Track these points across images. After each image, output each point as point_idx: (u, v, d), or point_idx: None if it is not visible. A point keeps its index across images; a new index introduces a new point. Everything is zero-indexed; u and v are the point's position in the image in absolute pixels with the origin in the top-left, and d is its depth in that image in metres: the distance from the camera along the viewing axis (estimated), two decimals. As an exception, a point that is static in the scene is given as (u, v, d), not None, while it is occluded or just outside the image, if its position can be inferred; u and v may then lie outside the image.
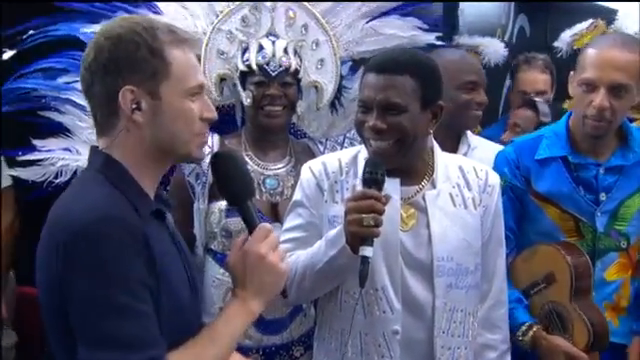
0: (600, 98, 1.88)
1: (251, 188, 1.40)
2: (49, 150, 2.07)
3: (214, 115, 1.31)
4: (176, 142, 1.27)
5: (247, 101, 2.07)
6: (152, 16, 1.97)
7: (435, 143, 1.75)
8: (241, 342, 1.81)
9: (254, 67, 2.06)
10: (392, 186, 1.62)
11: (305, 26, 2.23)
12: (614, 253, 1.99)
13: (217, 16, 2.17)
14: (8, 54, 2.03)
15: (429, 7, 3.93)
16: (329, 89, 2.27)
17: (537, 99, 2.90)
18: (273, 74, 2.05)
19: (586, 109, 1.92)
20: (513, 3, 4.27)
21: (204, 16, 2.18)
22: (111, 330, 1.14)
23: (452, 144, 2.23)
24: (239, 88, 2.12)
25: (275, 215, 2.06)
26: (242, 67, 2.09)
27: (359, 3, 2.30)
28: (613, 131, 1.99)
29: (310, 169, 1.74)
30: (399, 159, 1.63)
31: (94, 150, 1.31)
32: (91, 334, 1.15)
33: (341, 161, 1.73)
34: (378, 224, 1.49)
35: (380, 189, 1.53)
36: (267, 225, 1.33)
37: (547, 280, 1.96)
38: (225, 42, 2.16)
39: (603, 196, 1.97)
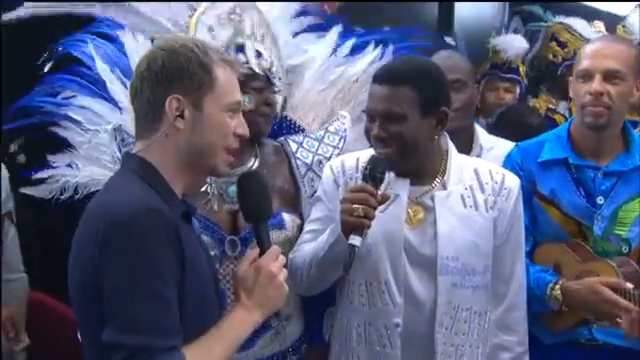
0: (595, 84, 1.95)
1: (270, 211, 1.53)
2: (55, 167, 2.06)
3: (246, 133, 1.44)
4: (208, 151, 1.38)
5: (248, 106, 1.89)
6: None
7: (452, 145, 1.80)
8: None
9: (258, 71, 1.95)
10: (401, 185, 1.71)
11: (263, 35, 2.10)
12: (616, 258, 1.99)
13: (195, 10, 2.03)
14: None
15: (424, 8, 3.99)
16: (279, 99, 2.15)
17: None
18: (274, 80, 2.00)
19: (584, 98, 1.97)
20: (508, 5, 4.30)
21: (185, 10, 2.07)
22: (141, 315, 1.22)
23: (463, 146, 2.23)
24: None
25: (234, 226, 1.90)
26: (243, 70, 1.91)
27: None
28: (616, 129, 2.02)
29: (330, 166, 1.85)
30: (403, 165, 1.70)
31: (128, 155, 1.42)
32: (121, 317, 1.22)
33: (359, 160, 1.81)
34: (368, 216, 1.56)
35: (377, 186, 1.61)
36: (277, 247, 1.47)
37: (556, 269, 2.02)
38: (208, 37, 1.99)
39: (600, 199, 2.00)
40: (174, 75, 1.34)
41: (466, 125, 2.36)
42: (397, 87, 1.65)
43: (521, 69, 3.53)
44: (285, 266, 1.47)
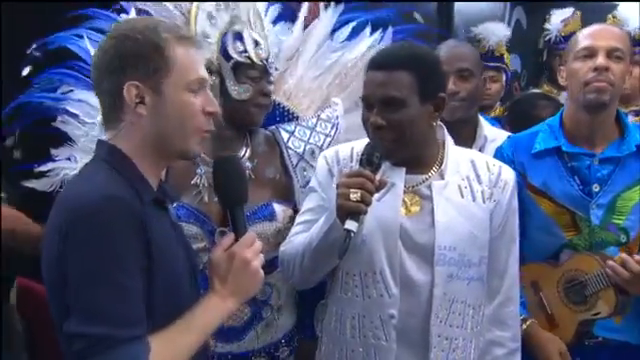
0: (600, 59, 1.94)
1: (246, 194, 1.48)
2: (56, 160, 2.09)
3: (217, 109, 1.39)
4: (176, 135, 1.34)
5: (243, 95, 1.90)
6: (158, 16, 1.96)
7: (448, 137, 1.77)
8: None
9: (256, 60, 1.92)
10: (397, 174, 1.69)
11: (258, 24, 2.04)
12: (614, 248, 1.96)
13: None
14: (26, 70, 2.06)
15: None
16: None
17: None
18: (270, 70, 1.97)
19: (587, 75, 1.95)
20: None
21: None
22: (102, 305, 1.20)
23: (467, 137, 2.25)
24: (230, 80, 1.91)
25: (224, 218, 1.84)
26: (240, 58, 1.91)
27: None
28: (611, 113, 2.01)
29: (324, 157, 1.82)
30: (401, 153, 1.67)
31: (99, 142, 1.39)
32: (83, 307, 1.20)
33: (353, 149, 1.78)
34: (365, 201, 1.53)
35: (374, 171, 1.58)
36: (253, 233, 1.44)
37: (534, 286, 2.03)
38: (207, 24, 1.96)
39: (596, 187, 1.97)
40: (127, 62, 1.30)
41: (471, 115, 2.36)
42: (395, 72, 1.62)
43: (506, 57, 3.49)
44: (262, 252, 1.43)
